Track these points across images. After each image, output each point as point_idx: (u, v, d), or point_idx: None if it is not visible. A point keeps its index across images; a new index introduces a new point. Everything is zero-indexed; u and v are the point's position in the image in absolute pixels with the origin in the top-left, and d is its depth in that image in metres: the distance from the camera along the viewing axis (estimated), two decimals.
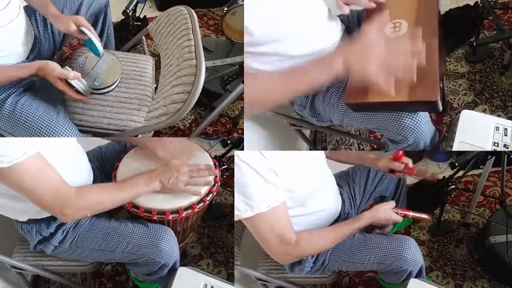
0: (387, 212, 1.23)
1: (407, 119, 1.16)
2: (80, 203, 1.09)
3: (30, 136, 1.24)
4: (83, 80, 1.25)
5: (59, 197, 1.05)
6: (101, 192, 1.15)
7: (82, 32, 1.30)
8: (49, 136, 1.24)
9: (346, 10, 1.25)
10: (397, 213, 1.24)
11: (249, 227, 1.13)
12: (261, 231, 1.12)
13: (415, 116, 1.16)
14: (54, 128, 1.25)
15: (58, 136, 1.25)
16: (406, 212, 1.26)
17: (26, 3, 1.40)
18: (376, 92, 1.09)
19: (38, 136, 1.23)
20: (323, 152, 1.36)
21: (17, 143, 0.97)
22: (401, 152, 1.29)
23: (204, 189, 1.24)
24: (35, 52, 1.38)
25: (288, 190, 1.12)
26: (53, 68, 1.19)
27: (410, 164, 1.30)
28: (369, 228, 1.33)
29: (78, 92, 1.25)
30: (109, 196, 1.15)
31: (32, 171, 0.99)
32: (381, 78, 0.98)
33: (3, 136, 1.30)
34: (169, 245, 1.23)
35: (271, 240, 1.12)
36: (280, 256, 1.19)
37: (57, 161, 1.11)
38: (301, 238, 1.15)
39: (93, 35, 1.30)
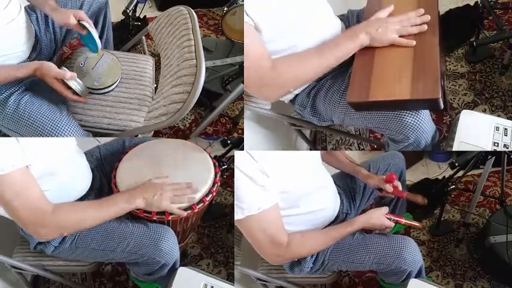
0: (380, 217, 1.24)
1: (408, 117, 1.16)
2: (56, 222, 1.06)
3: (33, 133, 1.23)
4: (79, 80, 1.24)
5: (35, 214, 1.03)
6: (79, 211, 1.12)
7: (81, 26, 1.29)
8: (52, 133, 1.24)
9: None
10: (390, 219, 1.25)
11: (241, 228, 1.14)
12: (253, 233, 1.12)
13: (416, 115, 1.16)
14: (58, 125, 1.24)
15: (61, 133, 1.24)
16: (399, 219, 1.27)
17: (28, 3, 1.40)
18: (378, 91, 1.10)
19: (41, 133, 1.23)
20: (318, 152, 1.36)
21: (7, 153, 0.96)
22: (394, 175, 1.33)
23: (203, 189, 1.24)
24: (36, 51, 1.38)
25: (281, 191, 1.13)
26: (49, 68, 1.19)
27: (400, 188, 1.34)
28: (369, 229, 1.33)
29: (75, 92, 1.24)
30: (88, 215, 1.12)
31: (13, 185, 0.98)
32: (399, 38, 1.15)
33: (7, 135, 1.30)
34: (170, 245, 1.23)
35: (262, 242, 1.13)
36: (271, 257, 1.19)
37: (56, 162, 1.11)
38: (293, 240, 1.16)
39: (93, 30, 1.30)
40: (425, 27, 1.15)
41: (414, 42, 1.14)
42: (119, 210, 1.16)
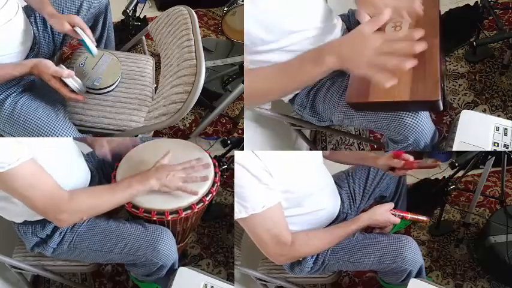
0: (385, 213, 1.23)
1: (408, 118, 1.16)
2: (74, 207, 1.08)
3: (29, 136, 1.23)
4: (77, 78, 1.24)
5: (52, 202, 1.04)
6: (95, 196, 1.13)
7: (75, 32, 1.29)
8: (48, 136, 1.24)
9: None
10: (395, 215, 1.24)
11: (244, 227, 1.14)
12: (256, 232, 1.12)
13: (415, 116, 1.16)
14: (53, 129, 1.24)
15: (57, 136, 1.25)
16: (404, 214, 1.25)
17: (26, 3, 1.40)
18: (378, 92, 1.10)
19: (37, 136, 1.23)
20: (320, 152, 1.36)
21: (11, 148, 0.97)
22: (401, 151, 1.29)
23: (202, 189, 1.24)
24: (34, 52, 1.38)
25: (284, 191, 1.13)
26: (47, 66, 1.19)
27: (411, 159, 1.30)
28: (369, 229, 1.33)
29: (72, 91, 1.24)
30: (103, 199, 1.13)
31: (25, 177, 0.99)
32: (374, 70, 0.91)
33: (2, 137, 1.30)
34: (167, 246, 1.23)
35: (266, 241, 1.13)
36: (275, 257, 1.19)
37: (53, 162, 1.11)
38: (297, 239, 1.16)
39: (85, 36, 1.29)
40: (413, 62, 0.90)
41: (389, 84, 0.91)
42: (134, 191, 1.16)
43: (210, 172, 1.28)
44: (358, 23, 1.41)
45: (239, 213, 1.07)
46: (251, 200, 1.06)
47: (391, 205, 1.25)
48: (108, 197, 1.14)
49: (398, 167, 1.31)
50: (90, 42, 1.31)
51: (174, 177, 1.19)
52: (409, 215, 1.26)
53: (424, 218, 1.30)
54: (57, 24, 1.30)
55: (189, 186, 1.21)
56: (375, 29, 0.95)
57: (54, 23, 1.31)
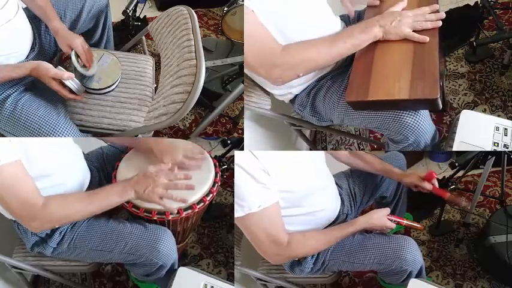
0: (382, 218, 1.24)
1: (408, 117, 1.16)
2: (47, 215, 1.07)
3: (30, 136, 1.23)
4: (76, 79, 1.25)
5: (26, 207, 1.04)
6: (70, 204, 1.11)
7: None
8: (49, 136, 1.24)
9: (352, 12, 1.35)
10: (392, 220, 1.25)
11: (241, 226, 1.14)
12: (253, 231, 1.12)
13: (416, 115, 1.16)
14: (55, 128, 1.25)
15: (58, 136, 1.25)
16: (400, 220, 1.27)
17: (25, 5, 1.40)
18: (377, 90, 1.10)
19: (38, 135, 1.23)
20: (322, 152, 1.36)
21: None
22: (435, 173, 1.33)
23: (202, 189, 1.24)
24: (35, 52, 1.38)
25: (283, 190, 1.13)
26: (46, 68, 1.20)
27: (437, 185, 1.33)
28: (368, 230, 1.33)
29: (71, 91, 1.26)
30: (77, 209, 1.11)
31: (5, 179, 0.99)
32: (413, 33, 1.14)
33: (4, 136, 1.30)
34: (167, 246, 1.23)
35: (262, 240, 1.13)
36: (271, 256, 1.19)
37: (53, 162, 1.11)
38: (293, 239, 1.16)
39: (76, 63, 1.34)
40: (440, 23, 1.15)
41: (428, 39, 1.13)
42: (111, 203, 1.14)
43: (210, 172, 1.28)
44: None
45: (236, 212, 1.08)
46: (248, 199, 1.06)
47: (388, 210, 1.26)
48: (83, 208, 1.11)
49: (425, 190, 1.34)
50: (80, 69, 1.35)
51: (153, 190, 1.13)
52: (405, 221, 1.28)
53: (418, 225, 1.33)
54: (60, 43, 1.35)
55: (174, 194, 1.16)
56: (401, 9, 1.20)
57: (58, 41, 1.36)
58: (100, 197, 1.13)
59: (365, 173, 1.47)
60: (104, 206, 1.13)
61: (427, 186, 1.32)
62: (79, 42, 1.34)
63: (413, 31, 1.15)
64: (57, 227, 1.18)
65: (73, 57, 1.33)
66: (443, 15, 1.16)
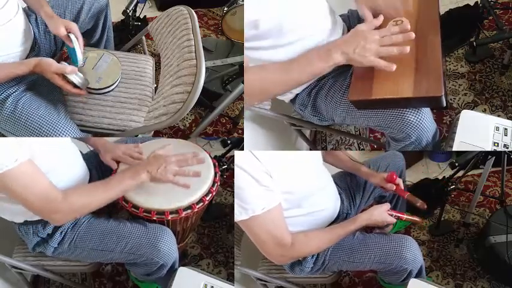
0: (382, 214, 1.24)
1: (410, 115, 1.16)
2: (68, 207, 1.08)
3: (30, 135, 1.24)
4: (79, 73, 1.25)
5: (47, 202, 1.05)
6: (87, 194, 1.13)
7: (69, 38, 1.30)
8: (50, 135, 1.24)
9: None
10: (392, 215, 1.25)
11: (244, 229, 1.14)
12: (257, 234, 1.12)
13: (418, 113, 1.16)
14: (55, 127, 1.25)
15: (59, 135, 1.25)
16: (400, 214, 1.27)
17: (26, 5, 1.40)
18: (381, 89, 1.10)
19: (39, 135, 1.23)
20: (320, 152, 1.36)
21: (9, 149, 0.98)
22: (395, 175, 1.34)
23: (202, 189, 1.24)
24: (35, 52, 1.38)
25: (285, 192, 1.13)
26: (49, 63, 1.20)
27: (402, 187, 1.35)
28: (369, 229, 1.33)
29: (75, 86, 1.25)
30: (96, 197, 1.13)
31: (22, 178, 1.00)
32: (378, 61, 1.06)
33: (4, 136, 1.30)
34: (168, 245, 1.23)
35: (266, 242, 1.13)
36: (276, 257, 1.20)
37: (53, 162, 1.11)
38: (297, 239, 1.16)
39: (77, 45, 1.31)
40: (407, 48, 1.05)
41: (394, 67, 1.04)
42: (126, 187, 1.16)
43: (210, 172, 1.28)
44: (358, 23, 1.43)
45: (239, 215, 1.07)
46: (251, 202, 1.06)
47: (388, 205, 1.26)
48: (101, 195, 1.14)
49: (389, 190, 1.35)
50: (80, 53, 1.32)
51: (165, 169, 1.17)
52: (405, 216, 1.28)
53: (417, 218, 1.34)
54: (54, 26, 1.30)
55: (181, 180, 1.20)
56: (372, 28, 1.10)
57: (50, 24, 1.32)
58: (114, 183, 1.15)
59: None
60: (119, 191, 1.16)
61: (390, 187, 1.33)
62: (75, 26, 1.32)
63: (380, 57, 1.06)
64: (78, 217, 1.20)
65: (73, 38, 1.30)
66: (413, 36, 1.05)
